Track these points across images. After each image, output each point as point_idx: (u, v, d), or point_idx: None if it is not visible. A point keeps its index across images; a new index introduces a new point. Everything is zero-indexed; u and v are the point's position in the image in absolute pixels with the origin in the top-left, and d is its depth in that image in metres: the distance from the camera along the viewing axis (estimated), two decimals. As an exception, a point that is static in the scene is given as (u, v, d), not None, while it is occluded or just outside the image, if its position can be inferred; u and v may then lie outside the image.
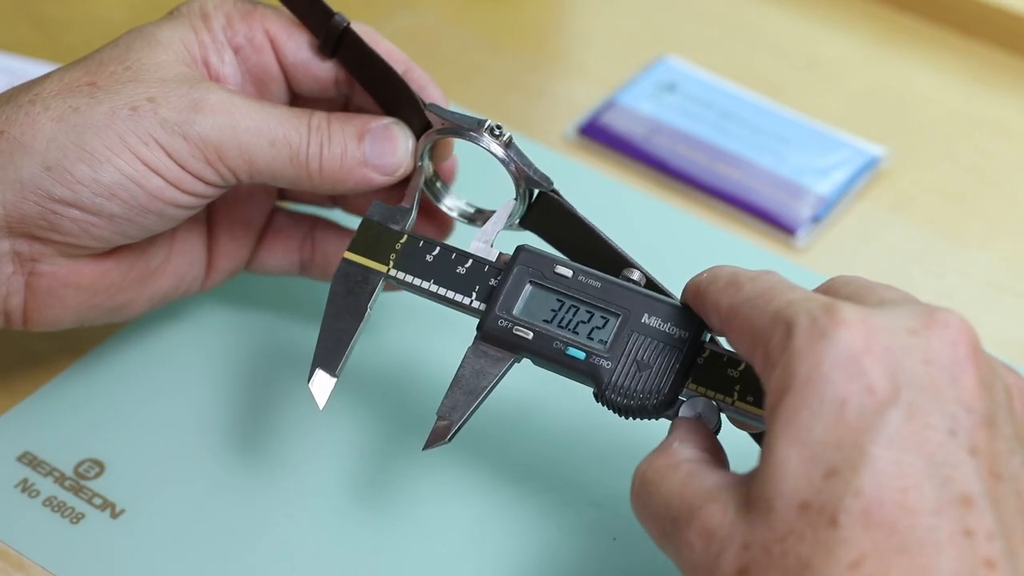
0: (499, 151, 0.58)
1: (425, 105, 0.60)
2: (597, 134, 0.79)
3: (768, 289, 0.49)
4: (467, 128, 0.59)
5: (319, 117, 0.59)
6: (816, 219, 0.75)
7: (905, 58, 0.84)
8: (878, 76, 0.83)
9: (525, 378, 0.64)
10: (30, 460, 0.62)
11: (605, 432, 0.63)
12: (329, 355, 0.57)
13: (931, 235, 0.75)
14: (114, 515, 0.60)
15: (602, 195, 0.75)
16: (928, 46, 0.85)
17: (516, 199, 0.59)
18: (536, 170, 0.59)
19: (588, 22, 0.87)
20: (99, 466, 0.62)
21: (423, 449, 0.55)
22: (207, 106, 0.57)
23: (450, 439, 0.55)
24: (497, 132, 0.59)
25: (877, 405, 0.45)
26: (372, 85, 0.61)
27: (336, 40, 0.60)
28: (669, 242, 0.71)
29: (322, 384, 0.57)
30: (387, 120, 0.60)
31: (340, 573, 0.59)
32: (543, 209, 0.60)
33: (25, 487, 0.61)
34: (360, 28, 0.60)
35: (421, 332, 0.67)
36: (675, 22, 0.86)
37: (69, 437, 0.63)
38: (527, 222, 0.61)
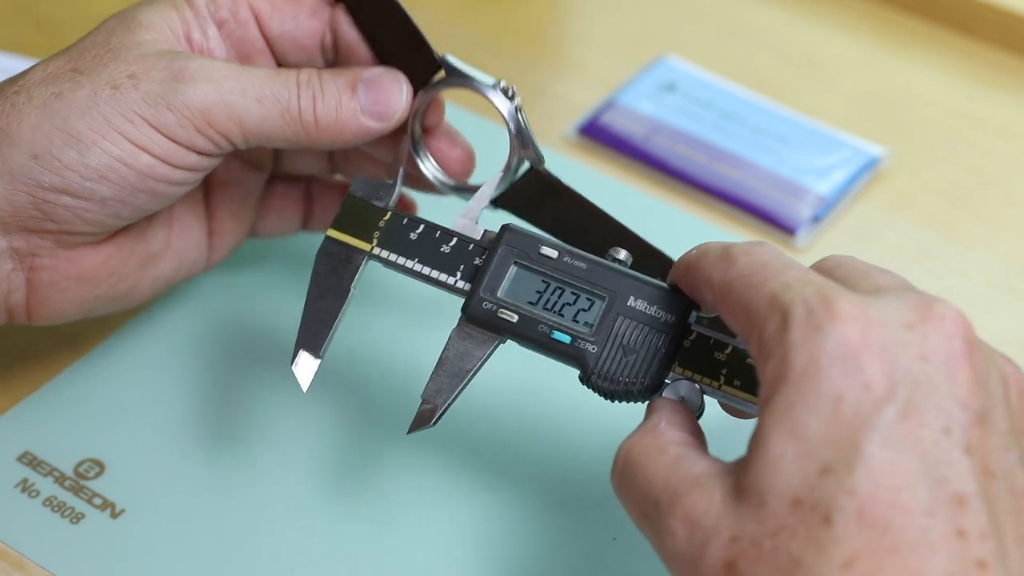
0: (505, 107, 0.58)
1: (440, 57, 0.59)
2: (597, 134, 0.79)
3: (762, 266, 0.49)
4: (478, 80, 0.58)
5: (307, 72, 0.59)
6: (816, 219, 0.75)
7: (905, 58, 0.84)
8: (878, 76, 0.83)
9: (526, 377, 0.64)
10: (30, 460, 0.62)
11: (606, 432, 0.63)
12: (312, 336, 0.57)
13: (931, 235, 0.75)
14: (114, 515, 0.60)
15: (602, 195, 0.74)
16: (928, 46, 0.85)
17: (505, 170, 0.59)
18: (535, 144, 0.58)
19: (588, 22, 0.87)
20: (99, 466, 0.62)
21: (407, 433, 0.55)
22: (188, 74, 0.57)
23: (435, 423, 0.55)
24: (510, 93, 0.58)
25: (873, 402, 0.44)
26: (373, 32, 0.60)
27: None
28: (669, 242, 0.71)
29: (306, 366, 0.56)
30: (378, 68, 0.60)
31: (340, 573, 0.59)
32: (530, 188, 0.59)
33: (25, 487, 0.61)
34: None
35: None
36: (675, 22, 0.86)
37: (69, 437, 0.63)
38: (506, 201, 0.60)
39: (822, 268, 0.50)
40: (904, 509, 0.43)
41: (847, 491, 0.44)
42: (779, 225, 0.75)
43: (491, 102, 0.58)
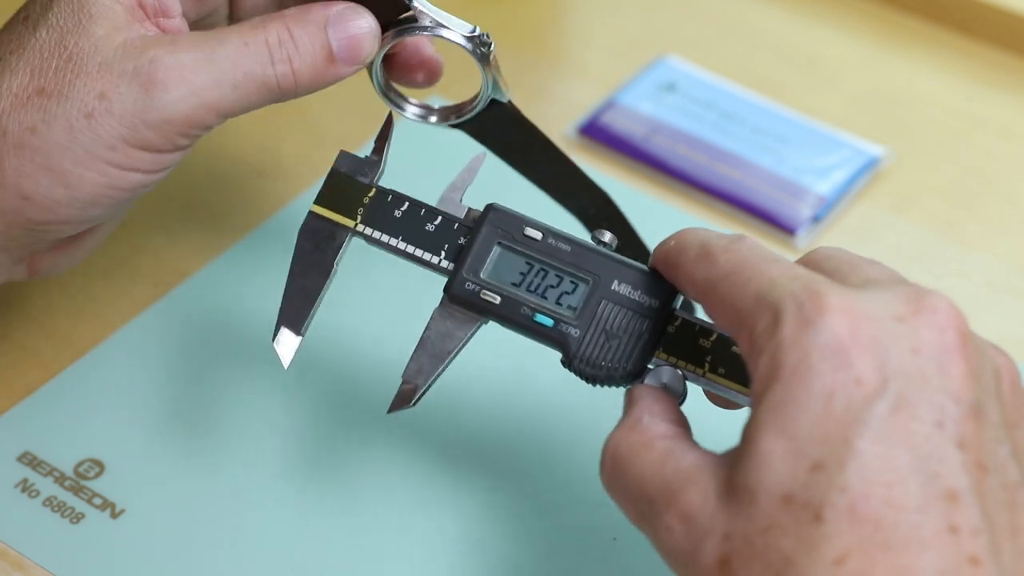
0: (477, 51, 0.57)
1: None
2: (597, 134, 0.79)
3: (745, 263, 0.48)
4: (448, 21, 0.57)
5: (276, 31, 0.57)
6: (816, 219, 0.75)
7: (905, 58, 0.84)
8: (878, 76, 0.83)
9: (526, 377, 0.64)
10: (30, 460, 0.62)
11: (606, 431, 0.63)
12: (294, 313, 0.56)
13: (931, 235, 0.75)
14: (114, 515, 0.60)
15: (602, 195, 0.75)
16: (928, 46, 0.85)
17: (474, 103, 0.59)
18: (502, 89, 0.59)
19: (588, 22, 0.87)
20: (99, 466, 0.62)
21: (387, 412, 0.54)
22: (157, 81, 0.55)
23: (415, 403, 0.54)
24: (485, 39, 0.58)
25: (864, 397, 0.44)
26: None
27: None
28: (669, 242, 0.71)
29: (287, 343, 0.56)
30: (341, 5, 0.58)
31: (341, 572, 0.59)
32: (491, 115, 0.60)
33: (25, 487, 0.61)
34: None
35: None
36: (675, 22, 0.86)
37: (69, 437, 0.63)
38: (469, 126, 0.60)
39: (811, 261, 0.50)
40: (896, 505, 0.43)
41: (838, 488, 0.43)
42: (779, 225, 0.75)
43: (460, 46, 0.57)
